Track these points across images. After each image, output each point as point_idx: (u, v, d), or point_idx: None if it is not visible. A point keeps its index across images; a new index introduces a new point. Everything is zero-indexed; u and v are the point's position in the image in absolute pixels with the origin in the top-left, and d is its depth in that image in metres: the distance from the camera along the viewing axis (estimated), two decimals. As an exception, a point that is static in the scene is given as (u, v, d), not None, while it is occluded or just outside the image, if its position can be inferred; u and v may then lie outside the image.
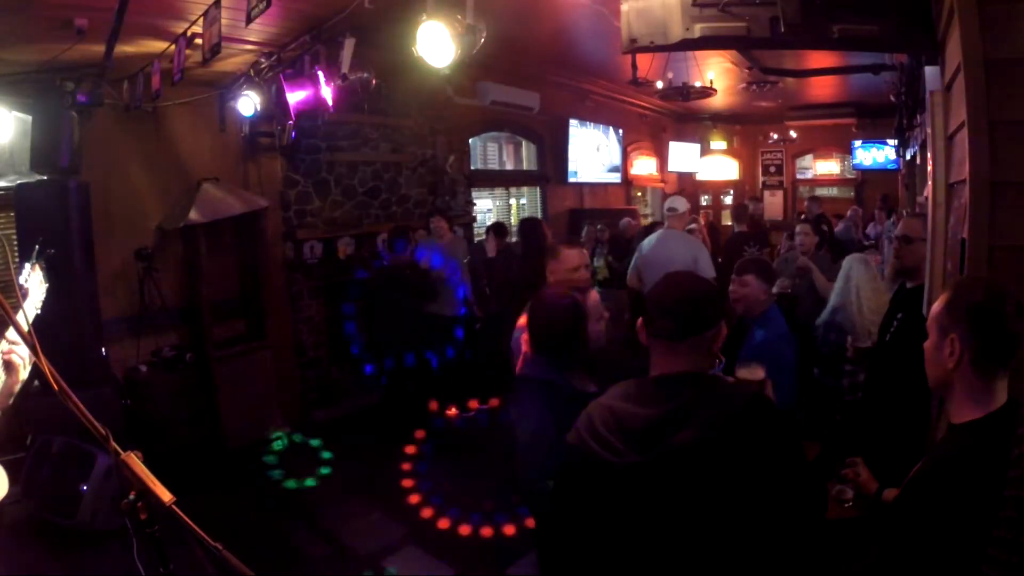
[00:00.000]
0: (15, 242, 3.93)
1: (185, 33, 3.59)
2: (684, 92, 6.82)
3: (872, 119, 9.56)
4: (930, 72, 2.56)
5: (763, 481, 1.28)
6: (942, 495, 1.25)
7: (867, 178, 10.97)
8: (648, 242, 4.75)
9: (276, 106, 4.49)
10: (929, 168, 2.60)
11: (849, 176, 11.49)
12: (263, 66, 4.40)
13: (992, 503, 1.18)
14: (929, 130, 2.55)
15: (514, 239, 6.32)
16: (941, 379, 1.34)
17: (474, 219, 7.31)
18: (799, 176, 12.19)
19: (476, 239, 7.05)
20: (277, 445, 5.01)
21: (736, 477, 1.27)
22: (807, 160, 12.09)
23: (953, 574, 1.22)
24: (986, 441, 1.25)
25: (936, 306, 1.36)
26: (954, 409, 1.34)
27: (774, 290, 3.44)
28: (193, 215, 4.61)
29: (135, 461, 1.11)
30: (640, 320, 1.46)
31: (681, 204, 4.80)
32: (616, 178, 9.68)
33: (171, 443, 4.29)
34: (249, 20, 2.95)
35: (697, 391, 1.35)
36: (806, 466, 1.41)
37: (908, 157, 6.37)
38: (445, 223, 5.69)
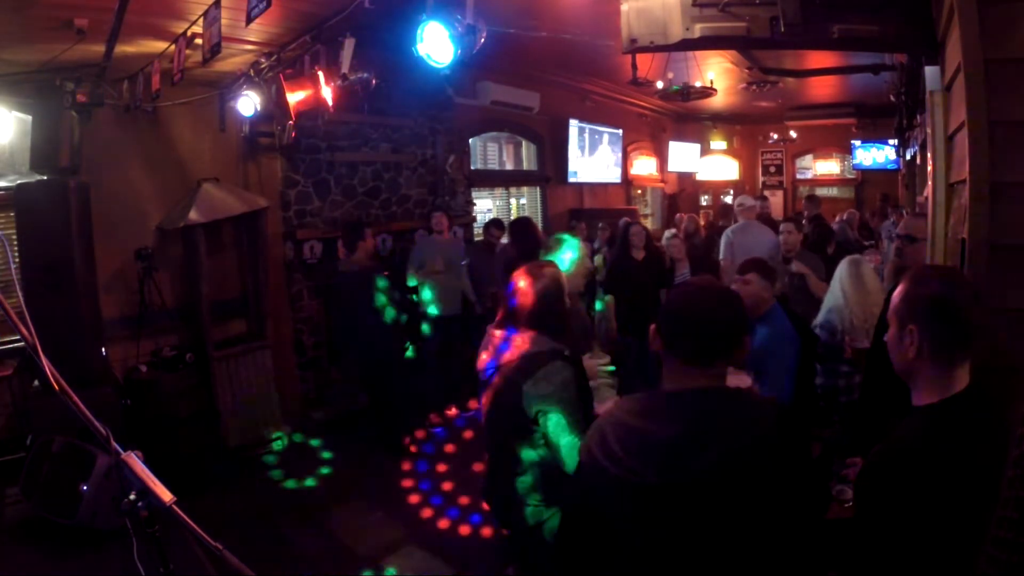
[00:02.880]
0: (15, 242, 3.94)
1: (185, 33, 3.59)
2: (684, 92, 6.82)
3: (872, 119, 9.57)
4: (930, 72, 2.56)
5: (782, 494, 1.26)
6: (898, 477, 1.25)
7: (867, 178, 10.99)
8: (734, 231, 5.75)
9: (276, 106, 4.49)
10: (929, 168, 2.60)
11: (849, 176, 11.50)
12: (263, 66, 4.39)
13: (951, 485, 1.20)
14: (929, 130, 2.55)
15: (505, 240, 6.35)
16: (903, 368, 1.37)
17: (474, 219, 7.31)
18: (799, 176, 12.20)
19: (476, 239, 7.06)
20: (277, 445, 5.01)
21: (760, 493, 1.23)
22: (807, 160, 12.10)
23: (914, 554, 1.23)
24: (943, 423, 1.27)
25: (894, 298, 1.38)
26: (916, 394, 1.36)
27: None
28: (193, 215, 4.60)
29: (135, 461, 1.11)
30: (653, 327, 1.38)
31: (748, 200, 6.04)
32: (616, 178, 9.68)
33: (171, 443, 4.29)
34: (249, 20, 2.94)
35: (723, 408, 1.28)
36: (816, 473, 1.41)
37: (908, 157, 6.38)
38: (446, 220, 5.69)
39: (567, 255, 2.85)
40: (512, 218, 8.27)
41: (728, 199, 12.10)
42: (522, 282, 2.14)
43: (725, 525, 1.22)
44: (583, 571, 1.43)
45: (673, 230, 6.24)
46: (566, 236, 3.07)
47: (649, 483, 1.23)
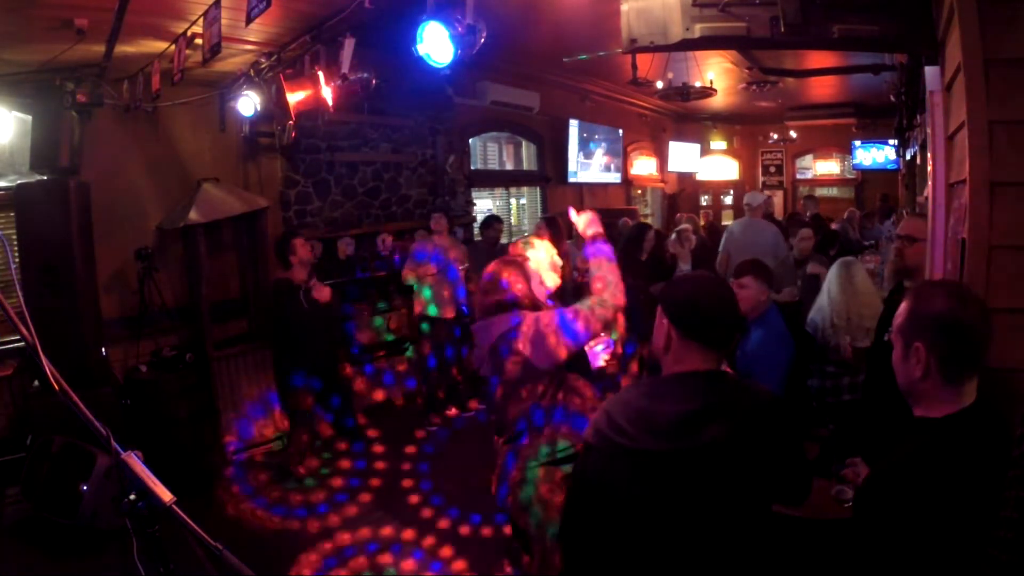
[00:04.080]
0: (15, 242, 3.94)
1: (185, 33, 3.59)
2: (684, 92, 6.82)
3: (872, 119, 9.57)
4: (930, 72, 2.55)
5: (774, 470, 1.37)
6: (906, 492, 1.24)
7: (867, 178, 10.98)
8: (736, 228, 5.87)
9: (276, 106, 4.49)
10: (929, 168, 2.59)
11: (849, 176, 11.50)
12: (263, 66, 4.40)
13: (959, 499, 1.19)
14: (929, 130, 2.55)
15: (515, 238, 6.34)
16: (909, 387, 1.34)
17: (474, 219, 7.30)
18: (799, 176, 12.20)
19: (476, 239, 7.05)
20: (277, 445, 5.01)
21: (758, 468, 1.33)
22: (807, 160, 12.10)
23: (920, 567, 1.23)
24: (951, 439, 1.25)
25: (898, 316, 1.35)
26: (922, 408, 1.34)
27: (783, 298, 3.46)
28: (193, 215, 4.61)
29: (135, 461, 1.10)
30: (666, 319, 1.46)
31: (756, 199, 6.02)
32: (616, 178, 9.68)
33: (171, 443, 4.29)
34: (249, 20, 2.95)
35: (730, 387, 1.41)
36: (804, 457, 1.51)
37: (908, 157, 6.38)
38: (445, 221, 5.69)
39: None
40: (511, 218, 8.29)
41: (728, 200, 12.14)
42: (490, 278, 2.28)
43: (725, 492, 1.32)
44: (586, 550, 1.47)
45: (687, 225, 6.19)
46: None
47: (660, 450, 1.33)
